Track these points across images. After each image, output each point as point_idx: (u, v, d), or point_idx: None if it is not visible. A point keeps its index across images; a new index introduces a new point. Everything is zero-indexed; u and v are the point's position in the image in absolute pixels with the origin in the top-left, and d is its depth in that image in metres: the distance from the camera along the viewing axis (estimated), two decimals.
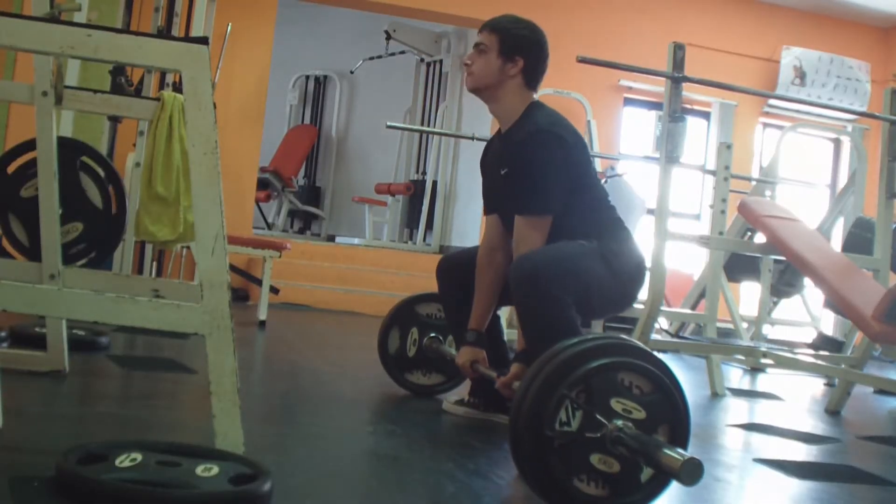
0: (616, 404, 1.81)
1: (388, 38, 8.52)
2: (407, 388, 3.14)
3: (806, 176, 8.36)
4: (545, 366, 1.83)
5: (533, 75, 2.61)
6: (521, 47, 2.58)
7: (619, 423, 1.79)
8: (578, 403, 1.79)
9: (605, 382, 1.82)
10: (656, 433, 1.84)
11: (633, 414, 1.82)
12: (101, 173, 2.89)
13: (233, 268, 5.78)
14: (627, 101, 7.87)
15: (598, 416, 1.80)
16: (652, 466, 1.79)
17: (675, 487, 2.27)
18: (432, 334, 3.11)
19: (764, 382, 4.82)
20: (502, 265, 2.70)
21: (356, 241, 8.29)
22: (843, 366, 3.92)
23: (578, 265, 2.43)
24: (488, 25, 2.61)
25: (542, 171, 2.49)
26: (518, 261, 2.41)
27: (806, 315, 6.61)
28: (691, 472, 1.66)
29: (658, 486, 1.85)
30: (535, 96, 2.65)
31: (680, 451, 1.70)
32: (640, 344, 1.95)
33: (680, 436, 1.88)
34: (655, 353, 1.92)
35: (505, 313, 3.88)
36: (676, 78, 3.47)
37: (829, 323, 7.03)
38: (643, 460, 1.79)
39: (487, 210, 2.80)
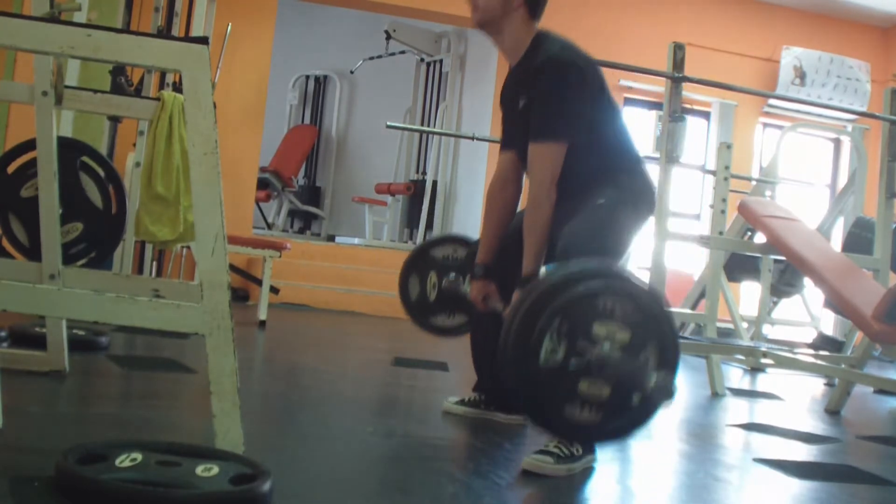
0: (599, 328, 1.83)
1: (388, 38, 8.51)
2: (434, 333, 3.13)
3: (806, 176, 8.37)
4: (525, 300, 1.86)
5: (536, 5, 2.61)
6: None
7: (606, 347, 1.81)
8: (561, 332, 1.80)
9: (586, 309, 1.83)
10: (645, 352, 1.85)
11: (617, 336, 1.83)
12: (101, 173, 2.89)
13: (233, 268, 5.78)
14: (628, 101, 7.87)
15: (582, 342, 1.81)
16: (635, 390, 1.83)
17: (675, 487, 2.28)
18: (451, 275, 3.09)
19: (764, 382, 4.82)
20: (513, 197, 2.72)
21: (356, 241, 8.29)
22: (843, 366, 3.92)
23: (607, 235, 2.41)
24: None
25: (557, 98, 2.47)
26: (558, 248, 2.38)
27: (806, 315, 6.61)
28: (662, 394, 1.73)
29: (651, 406, 1.87)
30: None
31: (656, 374, 1.73)
32: (619, 268, 1.97)
33: (669, 353, 1.90)
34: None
35: None
36: (676, 78, 3.48)
37: (829, 323, 7.03)
38: (627, 385, 1.82)
39: (504, 146, 2.77)
